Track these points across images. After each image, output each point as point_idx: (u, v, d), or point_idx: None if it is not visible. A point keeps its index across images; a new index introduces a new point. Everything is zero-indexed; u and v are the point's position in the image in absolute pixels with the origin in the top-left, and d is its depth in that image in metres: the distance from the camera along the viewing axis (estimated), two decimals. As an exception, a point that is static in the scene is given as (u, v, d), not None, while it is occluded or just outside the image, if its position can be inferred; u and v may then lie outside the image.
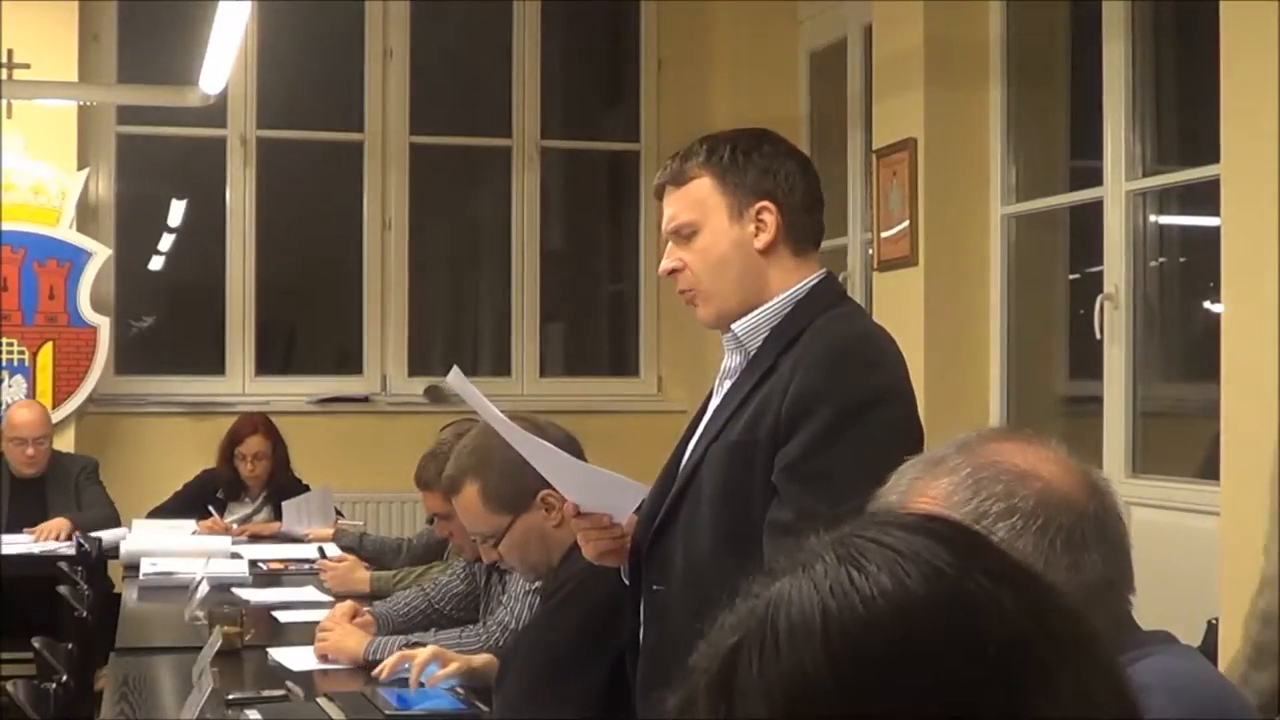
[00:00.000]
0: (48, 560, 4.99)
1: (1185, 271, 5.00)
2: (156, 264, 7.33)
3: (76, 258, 6.42)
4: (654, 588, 2.24)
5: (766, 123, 2.59)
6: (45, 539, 5.43)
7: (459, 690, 2.98)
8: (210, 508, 5.71)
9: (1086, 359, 5.02)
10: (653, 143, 7.25)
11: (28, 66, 6.19)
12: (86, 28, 6.57)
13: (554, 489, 2.47)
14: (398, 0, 7.09)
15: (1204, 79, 4.08)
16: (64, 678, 3.17)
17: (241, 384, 6.90)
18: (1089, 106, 4.98)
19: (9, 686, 3.07)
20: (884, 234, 5.64)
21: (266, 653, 3.43)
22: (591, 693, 2.57)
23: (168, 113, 6.51)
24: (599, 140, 7.67)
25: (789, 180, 2.27)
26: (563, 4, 7.40)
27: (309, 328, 7.81)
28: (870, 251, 5.91)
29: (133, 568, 4.91)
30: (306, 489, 5.80)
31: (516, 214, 7.22)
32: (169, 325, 7.42)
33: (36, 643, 3.42)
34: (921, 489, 1.35)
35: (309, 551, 5.10)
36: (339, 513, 5.75)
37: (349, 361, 7.14)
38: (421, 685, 2.98)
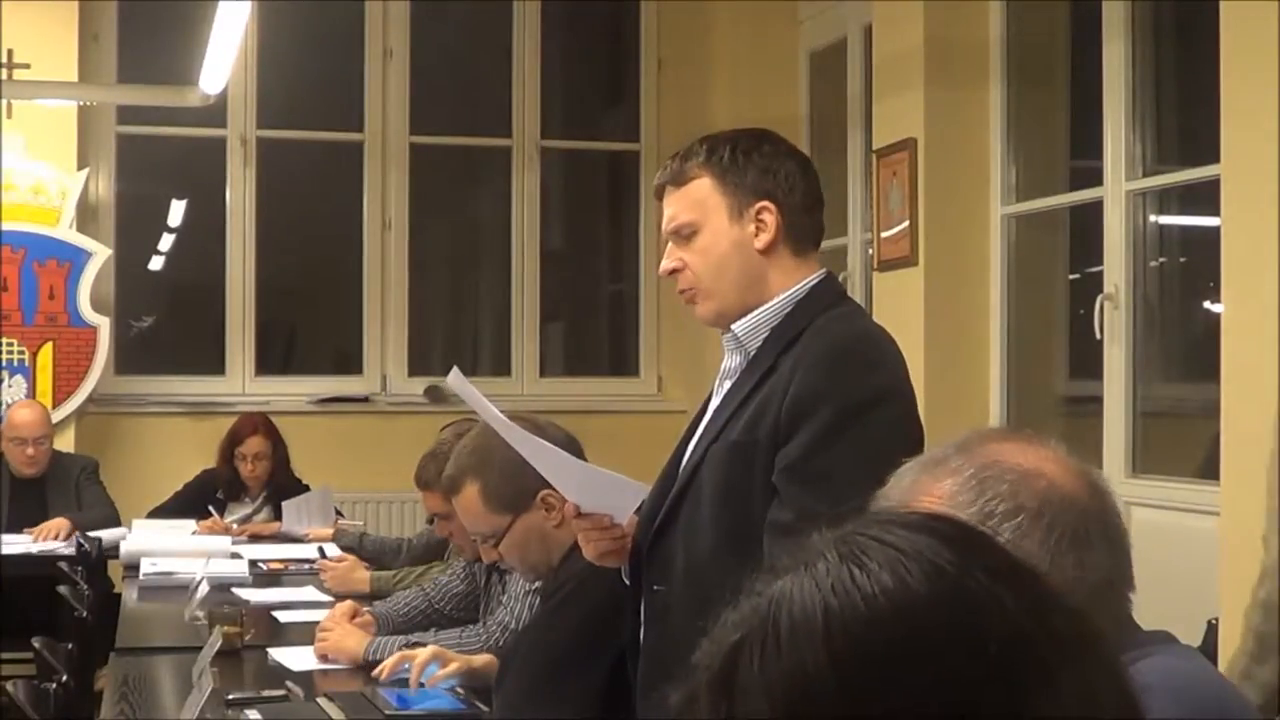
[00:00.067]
0: (48, 560, 4.99)
1: (1185, 271, 5.00)
2: (156, 264, 7.33)
3: (76, 258, 6.42)
4: (654, 588, 2.24)
5: (766, 123, 2.59)
6: (45, 539, 5.43)
7: (459, 690, 2.98)
8: (210, 508, 5.71)
9: (1086, 359, 5.02)
10: (653, 143, 7.25)
11: (28, 66, 6.20)
12: (86, 28, 6.57)
13: (554, 489, 2.47)
14: (398, 0, 7.09)
15: (1204, 79, 4.08)
16: (64, 678, 3.17)
17: (241, 384, 6.90)
18: (1089, 106, 4.98)
19: (9, 686, 3.07)
20: (884, 234, 5.64)
21: (266, 653, 3.43)
22: (591, 693, 2.57)
23: (168, 113, 6.51)
24: (599, 140, 7.67)
25: (789, 180, 2.27)
26: (563, 4, 7.40)
27: (309, 328, 7.81)
28: (870, 251, 5.91)
29: (133, 568, 4.91)
30: (306, 489, 5.80)
31: (516, 214, 7.22)
32: (169, 325, 7.42)
33: (36, 643, 3.42)
34: (925, 488, 1.35)
35: (309, 551, 5.10)
36: (339, 513, 5.75)
37: (349, 361, 7.14)
38: (422, 685, 2.98)
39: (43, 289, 6.39)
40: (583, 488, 2.25)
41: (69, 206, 6.40)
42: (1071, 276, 5.48)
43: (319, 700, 2.94)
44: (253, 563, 4.92)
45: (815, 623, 0.77)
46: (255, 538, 5.53)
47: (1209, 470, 4.17)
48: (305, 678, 3.18)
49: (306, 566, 4.86)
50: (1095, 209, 4.93)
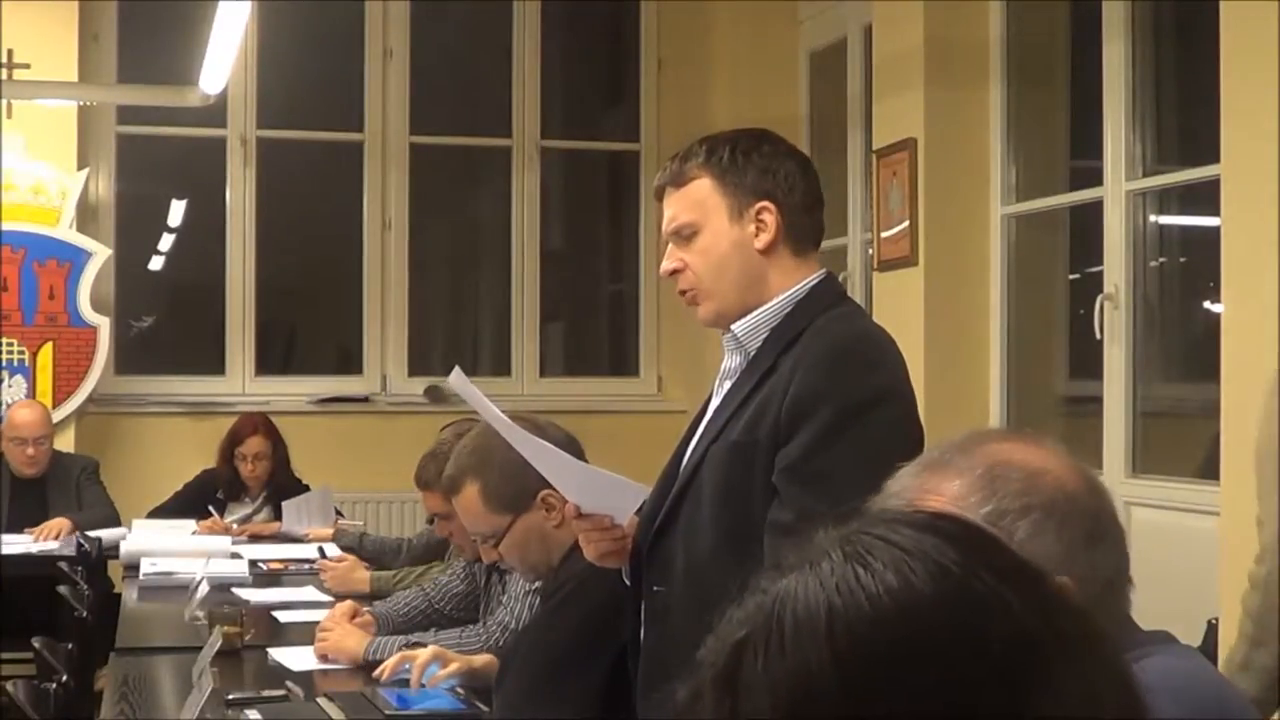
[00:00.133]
0: (48, 560, 4.99)
1: (1185, 271, 5.00)
2: (156, 264, 7.33)
3: (76, 258, 6.42)
4: (654, 588, 2.24)
5: (766, 123, 2.59)
6: (45, 539, 5.43)
7: (459, 690, 2.98)
8: (210, 508, 5.71)
9: (1086, 359, 5.02)
10: (653, 143, 7.25)
11: (28, 66, 6.19)
12: (86, 28, 6.57)
13: (554, 489, 2.47)
14: (398, 0, 7.09)
15: (1204, 79, 4.08)
16: (64, 678, 3.17)
17: (241, 384, 6.90)
18: (1089, 106, 4.98)
19: (9, 686, 3.07)
20: (884, 234, 5.64)
21: (266, 653, 3.43)
22: (591, 693, 2.57)
23: (168, 113, 6.51)
24: (599, 140, 7.67)
25: (789, 180, 2.27)
26: (563, 4, 7.40)
27: (309, 328, 7.81)
28: (870, 251, 5.91)
29: (133, 568, 4.91)
30: (306, 489, 5.80)
31: (516, 214, 7.22)
32: (169, 325, 7.42)
33: (36, 643, 3.42)
34: (932, 488, 1.35)
35: (309, 551, 5.10)
36: (339, 513, 5.75)
37: (349, 361, 7.14)
38: (422, 686, 2.98)
39: (43, 289, 6.39)
40: (583, 488, 2.25)
41: (69, 206, 6.40)
42: (1071, 276, 5.48)
43: (319, 700, 2.94)
44: (253, 563, 4.92)
45: (819, 622, 0.77)
46: (255, 538, 5.53)
47: (1209, 470, 4.17)
48: (305, 678, 3.17)
49: (306, 566, 4.86)
50: (1095, 209, 4.93)
